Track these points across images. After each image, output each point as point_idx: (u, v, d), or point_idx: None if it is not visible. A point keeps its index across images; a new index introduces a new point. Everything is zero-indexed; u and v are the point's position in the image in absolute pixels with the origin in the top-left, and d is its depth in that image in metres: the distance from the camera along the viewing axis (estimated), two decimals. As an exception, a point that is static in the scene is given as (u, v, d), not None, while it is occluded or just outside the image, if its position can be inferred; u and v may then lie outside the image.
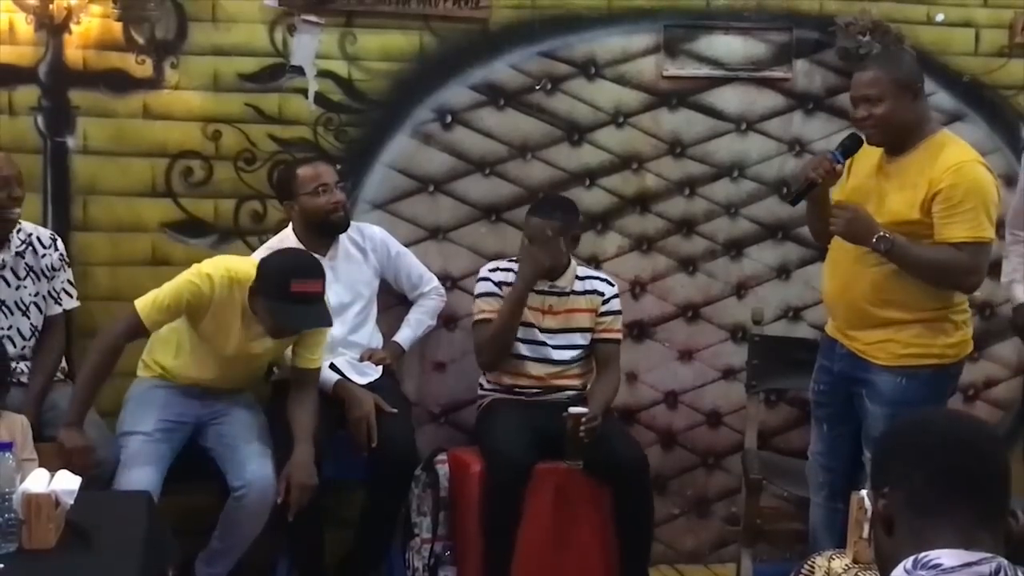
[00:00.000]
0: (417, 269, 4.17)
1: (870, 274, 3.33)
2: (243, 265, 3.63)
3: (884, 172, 3.37)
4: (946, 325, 3.35)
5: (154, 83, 4.06)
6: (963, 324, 3.40)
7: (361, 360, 3.97)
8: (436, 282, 4.20)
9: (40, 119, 4.01)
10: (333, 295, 3.88)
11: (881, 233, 3.21)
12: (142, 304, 3.52)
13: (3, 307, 3.67)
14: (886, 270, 3.29)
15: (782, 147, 4.44)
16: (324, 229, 3.93)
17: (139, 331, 3.55)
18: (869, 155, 3.42)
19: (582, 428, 3.71)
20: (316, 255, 3.90)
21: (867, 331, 3.38)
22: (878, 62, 3.48)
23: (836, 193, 3.50)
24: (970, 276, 3.29)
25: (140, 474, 3.44)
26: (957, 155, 3.27)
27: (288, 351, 3.73)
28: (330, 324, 3.66)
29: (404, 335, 4.12)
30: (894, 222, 3.27)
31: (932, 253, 3.25)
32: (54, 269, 3.76)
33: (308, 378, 3.73)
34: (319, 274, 3.58)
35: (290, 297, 3.47)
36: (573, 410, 3.75)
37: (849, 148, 3.40)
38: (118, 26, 3.99)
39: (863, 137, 3.40)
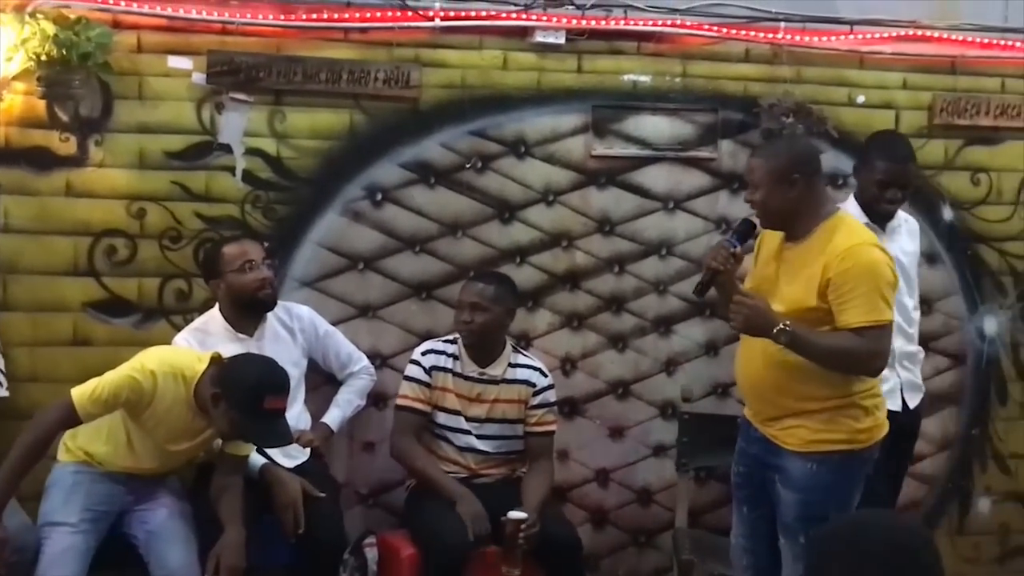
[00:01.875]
0: (346, 348, 4.12)
1: (775, 365, 3.31)
2: (188, 360, 3.53)
3: (782, 258, 3.39)
4: (855, 411, 3.31)
5: (78, 161, 4.01)
6: (874, 409, 3.36)
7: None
8: (366, 361, 4.16)
9: (-39, 197, 3.93)
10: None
11: (780, 326, 3.18)
12: (79, 394, 3.39)
13: None
14: (791, 360, 3.25)
15: (709, 225, 4.49)
16: (251, 307, 3.88)
17: (72, 421, 3.43)
18: (772, 239, 3.44)
19: (521, 535, 3.66)
20: (242, 335, 3.86)
21: (777, 418, 3.37)
22: (759, 150, 3.54)
23: (748, 281, 3.51)
24: (873, 360, 3.26)
25: (64, 572, 3.33)
26: (847, 239, 3.26)
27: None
28: (290, 442, 3.62)
29: (333, 416, 4.07)
30: (793, 309, 3.25)
31: (832, 340, 3.22)
32: None
33: (237, 464, 3.66)
34: (287, 388, 3.52)
35: (260, 413, 3.40)
36: (512, 515, 3.69)
37: (743, 232, 3.43)
38: (42, 104, 3.94)
39: (755, 222, 3.44)
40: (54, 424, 3.43)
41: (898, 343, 3.85)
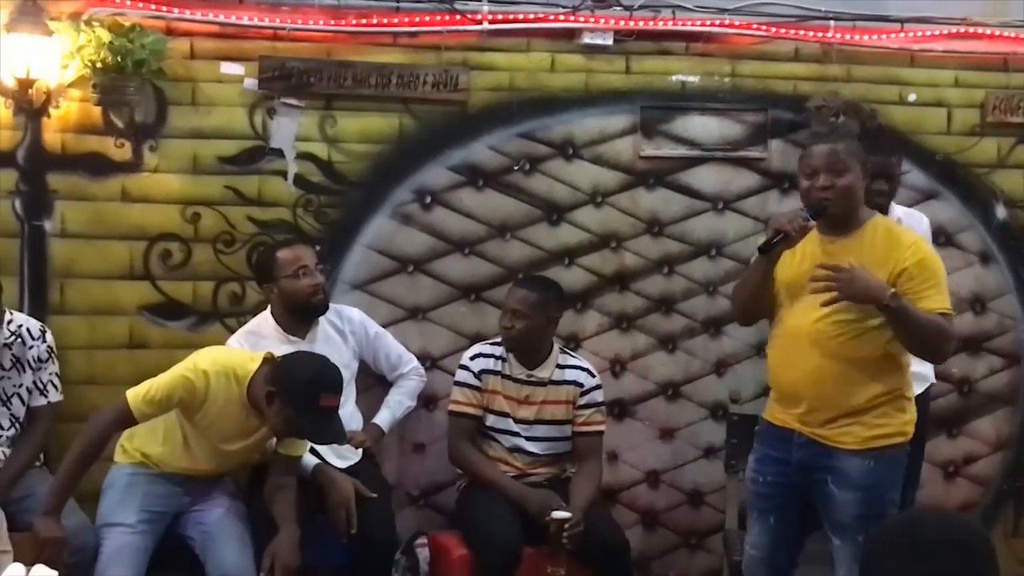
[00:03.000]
0: (396, 350, 4.15)
1: (840, 360, 3.28)
2: (240, 359, 3.57)
3: (828, 253, 3.34)
4: (902, 402, 3.34)
5: (133, 166, 4.07)
6: (912, 399, 3.40)
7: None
8: (416, 362, 4.18)
9: (18, 203, 4.01)
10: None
11: (891, 290, 3.19)
12: (133, 396, 3.44)
13: None
14: (856, 355, 3.26)
15: (758, 225, 4.45)
16: (304, 312, 3.92)
17: (128, 422, 3.49)
18: (804, 241, 3.39)
19: (565, 535, 3.67)
20: (294, 338, 3.89)
21: (832, 419, 3.32)
22: (840, 137, 3.52)
23: (780, 275, 3.44)
24: (951, 343, 3.34)
25: (123, 572, 3.37)
26: (909, 233, 3.40)
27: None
28: (345, 440, 3.65)
29: (384, 417, 4.10)
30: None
31: (928, 316, 3.23)
32: (41, 361, 3.73)
33: (291, 464, 3.69)
34: (341, 386, 3.55)
35: (315, 410, 3.42)
36: (556, 515, 3.69)
37: (816, 212, 3.38)
38: (97, 110, 4.01)
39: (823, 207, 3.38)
40: (110, 425, 3.49)
41: None
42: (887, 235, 3.33)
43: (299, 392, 3.42)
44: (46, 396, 3.76)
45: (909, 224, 4.09)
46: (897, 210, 4.10)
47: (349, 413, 4.01)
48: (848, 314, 3.24)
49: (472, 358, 4.03)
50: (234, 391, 3.50)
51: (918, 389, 4.02)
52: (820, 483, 3.34)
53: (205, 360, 3.51)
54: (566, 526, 3.66)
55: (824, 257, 3.34)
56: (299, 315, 3.92)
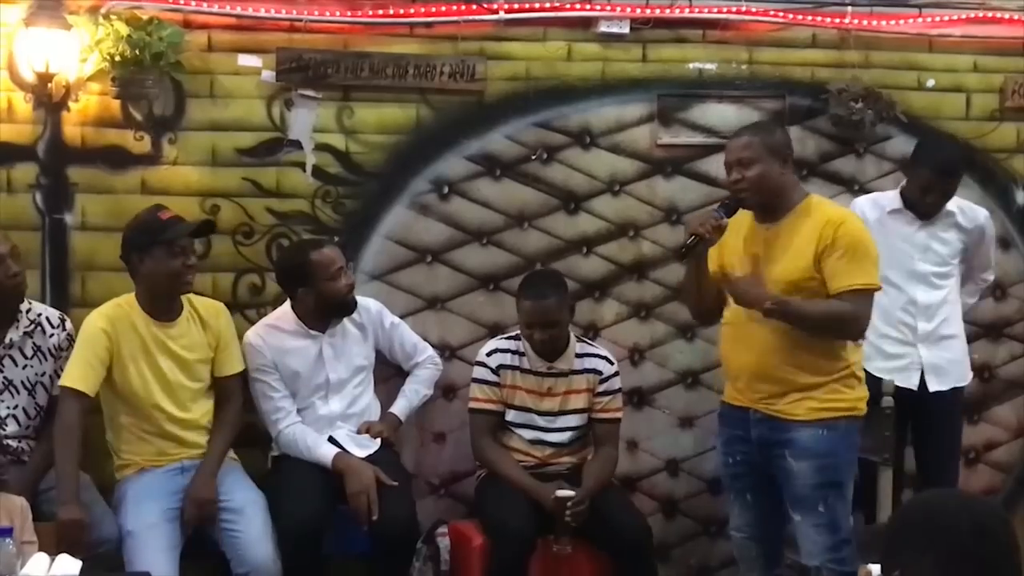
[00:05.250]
0: (411, 339, 4.16)
1: (778, 342, 3.41)
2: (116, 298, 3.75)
3: (762, 239, 3.47)
4: (851, 380, 3.46)
5: (152, 159, 4.09)
6: (862, 378, 3.51)
7: (359, 433, 3.95)
8: (431, 351, 4.19)
9: (38, 196, 4.04)
10: (333, 372, 3.92)
11: (770, 303, 3.33)
12: (62, 379, 3.59)
13: (10, 386, 3.68)
14: (792, 336, 3.38)
15: (777, 213, 4.45)
16: (338, 312, 3.93)
17: (79, 400, 3.54)
18: (740, 226, 3.51)
19: (567, 512, 3.70)
20: (314, 332, 3.91)
21: (783, 394, 3.44)
22: (751, 128, 3.61)
23: (711, 265, 3.57)
24: (858, 323, 3.42)
25: (154, 568, 3.37)
26: (836, 212, 3.48)
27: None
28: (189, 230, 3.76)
29: (400, 406, 4.10)
30: (787, 282, 3.37)
31: (820, 307, 3.37)
32: (61, 349, 3.76)
33: (230, 389, 3.82)
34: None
35: (163, 225, 3.63)
36: (560, 493, 3.73)
37: (730, 207, 3.50)
38: (116, 103, 4.03)
39: (741, 199, 3.49)
40: (68, 413, 3.52)
41: (922, 324, 4.04)
42: (814, 215, 3.42)
43: (140, 227, 3.62)
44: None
45: (972, 216, 4.16)
46: (953, 203, 4.13)
47: (366, 402, 4.05)
48: (797, 293, 3.36)
49: (489, 354, 4.03)
50: (133, 310, 3.67)
51: (936, 385, 4.05)
52: (778, 458, 3.46)
53: (91, 314, 3.69)
54: (568, 504, 3.70)
55: (761, 244, 3.47)
56: (331, 314, 3.92)
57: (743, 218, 3.50)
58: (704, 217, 3.50)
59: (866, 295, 3.38)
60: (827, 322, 3.39)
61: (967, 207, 4.18)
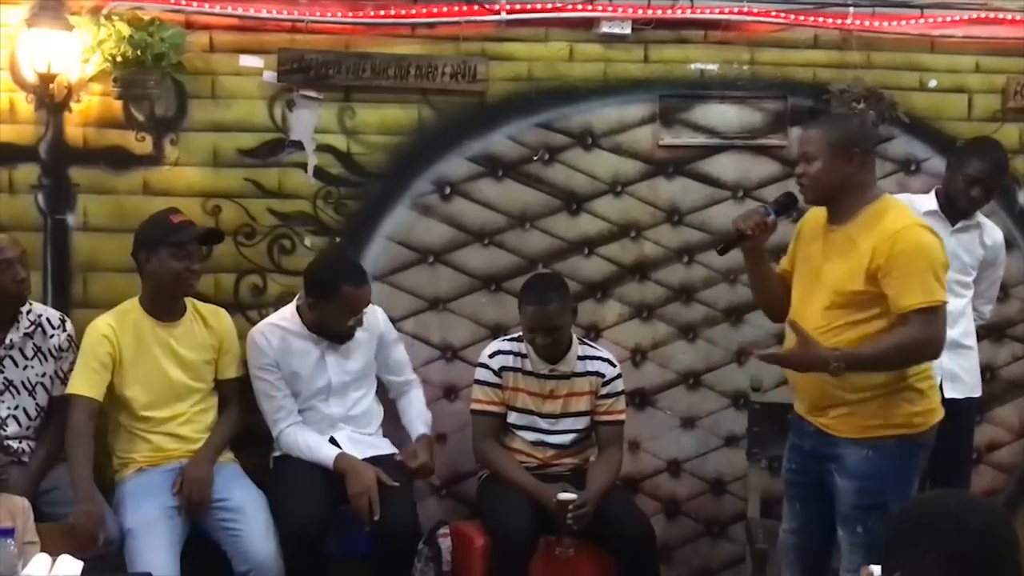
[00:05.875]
0: (404, 357, 4.14)
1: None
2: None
3: (827, 240, 3.31)
4: (910, 394, 3.24)
5: (154, 160, 4.10)
6: (929, 391, 3.29)
7: (404, 461, 3.94)
8: (414, 376, 4.17)
9: (40, 197, 4.05)
10: (335, 376, 3.93)
11: (832, 362, 3.11)
12: (69, 385, 3.65)
13: (10, 387, 3.69)
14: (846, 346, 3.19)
15: (779, 213, 4.45)
16: (332, 338, 3.93)
17: (88, 405, 3.60)
18: (816, 222, 3.37)
19: (569, 516, 3.70)
20: (318, 337, 3.93)
21: (830, 407, 3.30)
22: (819, 123, 3.44)
23: (785, 261, 3.48)
24: (931, 345, 3.19)
25: (155, 566, 3.37)
26: (896, 222, 3.20)
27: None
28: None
29: (419, 428, 4.07)
30: (839, 291, 3.21)
31: (885, 344, 3.16)
32: (62, 350, 3.76)
33: (230, 392, 3.89)
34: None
35: (175, 229, 3.71)
36: (562, 496, 3.72)
37: (783, 205, 3.38)
38: (118, 104, 4.04)
39: (798, 196, 3.39)
40: (78, 418, 3.58)
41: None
42: (872, 224, 3.20)
43: (151, 227, 3.72)
44: (67, 385, 3.79)
45: (993, 235, 4.18)
46: (980, 216, 4.15)
47: (368, 407, 4.05)
48: (845, 306, 3.21)
49: (491, 355, 4.02)
50: (132, 319, 3.73)
51: (952, 392, 4.01)
52: (828, 473, 3.33)
53: (94, 321, 3.75)
54: (570, 507, 3.69)
55: (821, 244, 3.31)
56: (327, 337, 3.92)
57: (820, 216, 3.35)
58: (749, 214, 3.36)
59: (931, 313, 3.13)
60: (899, 355, 3.17)
61: (989, 225, 4.21)
